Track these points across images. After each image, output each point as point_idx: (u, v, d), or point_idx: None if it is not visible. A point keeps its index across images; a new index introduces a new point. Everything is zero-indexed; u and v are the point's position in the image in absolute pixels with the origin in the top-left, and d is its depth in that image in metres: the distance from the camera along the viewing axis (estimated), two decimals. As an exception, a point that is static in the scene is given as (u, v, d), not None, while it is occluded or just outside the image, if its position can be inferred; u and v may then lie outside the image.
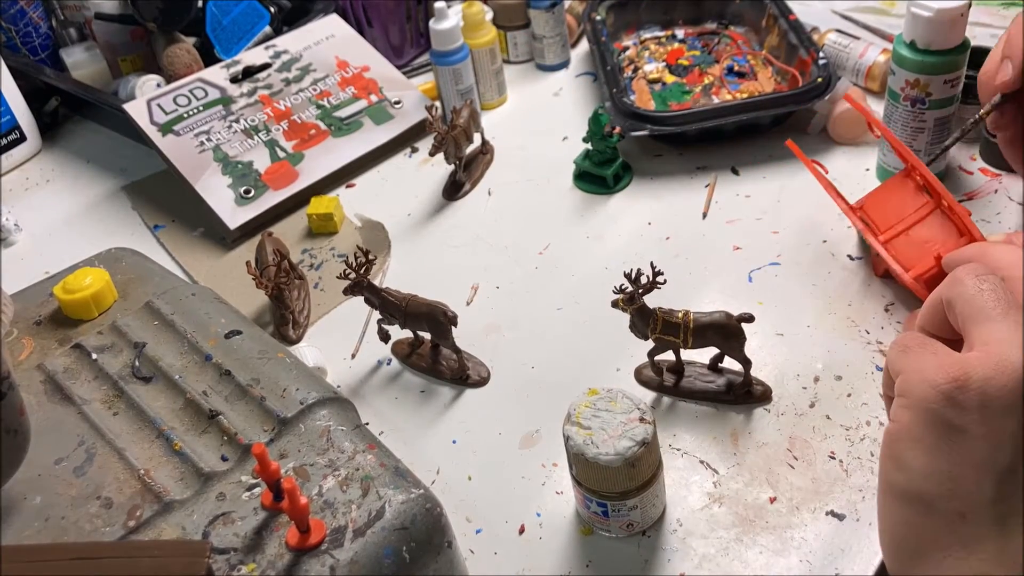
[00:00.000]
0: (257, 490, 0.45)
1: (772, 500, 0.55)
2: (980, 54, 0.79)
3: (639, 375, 0.64)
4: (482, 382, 0.66)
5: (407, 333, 0.68)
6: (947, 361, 0.41)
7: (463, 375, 0.66)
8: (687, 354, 0.62)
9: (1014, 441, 0.39)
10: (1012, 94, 0.61)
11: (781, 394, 0.62)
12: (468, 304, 0.73)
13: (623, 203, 0.82)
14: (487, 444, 0.62)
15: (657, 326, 0.59)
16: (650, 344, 0.61)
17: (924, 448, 0.41)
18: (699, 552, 0.53)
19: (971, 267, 0.44)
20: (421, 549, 0.44)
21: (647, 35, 1.02)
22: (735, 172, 0.82)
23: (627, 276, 0.58)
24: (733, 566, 0.52)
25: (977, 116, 0.63)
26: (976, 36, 0.85)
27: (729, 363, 0.63)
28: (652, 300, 0.59)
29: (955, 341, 0.43)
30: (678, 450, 0.59)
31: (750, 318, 0.59)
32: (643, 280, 0.58)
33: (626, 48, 1.01)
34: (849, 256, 0.71)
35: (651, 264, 0.58)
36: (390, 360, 0.69)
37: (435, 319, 0.64)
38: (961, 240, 0.62)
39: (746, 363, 0.60)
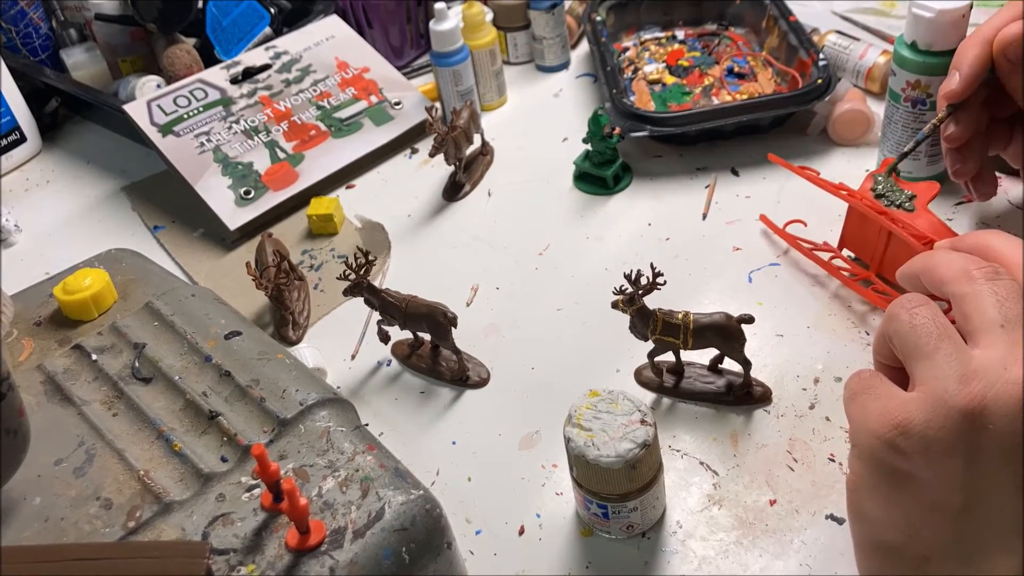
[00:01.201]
0: (257, 491, 0.45)
1: (772, 503, 0.55)
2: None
3: (639, 376, 0.64)
4: (482, 383, 0.66)
5: (407, 334, 0.68)
6: (889, 407, 0.40)
7: (463, 376, 0.66)
8: (686, 355, 0.62)
9: (962, 480, 0.39)
10: (962, 103, 0.63)
11: (781, 395, 0.62)
12: (468, 305, 0.73)
13: (623, 204, 0.82)
14: (487, 445, 0.62)
15: (657, 327, 0.59)
16: (650, 345, 0.61)
17: (879, 498, 0.41)
18: (699, 554, 0.53)
19: (905, 299, 0.43)
20: (421, 550, 0.44)
21: (647, 36, 1.02)
22: (735, 173, 0.82)
23: (627, 277, 0.58)
24: (733, 568, 0.52)
25: (932, 123, 0.65)
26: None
27: (729, 364, 0.63)
28: (652, 301, 0.59)
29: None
30: (678, 451, 0.59)
31: (750, 319, 0.59)
32: (643, 281, 0.58)
33: (626, 49, 1.01)
34: (850, 256, 0.71)
35: (651, 265, 0.58)
36: (390, 361, 0.69)
37: (435, 320, 0.64)
38: (924, 243, 0.61)
39: (746, 364, 0.60)
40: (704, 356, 0.63)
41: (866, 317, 0.66)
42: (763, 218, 0.75)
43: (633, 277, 0.58)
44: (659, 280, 0.58)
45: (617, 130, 0.81)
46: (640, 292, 0.58)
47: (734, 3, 1.00)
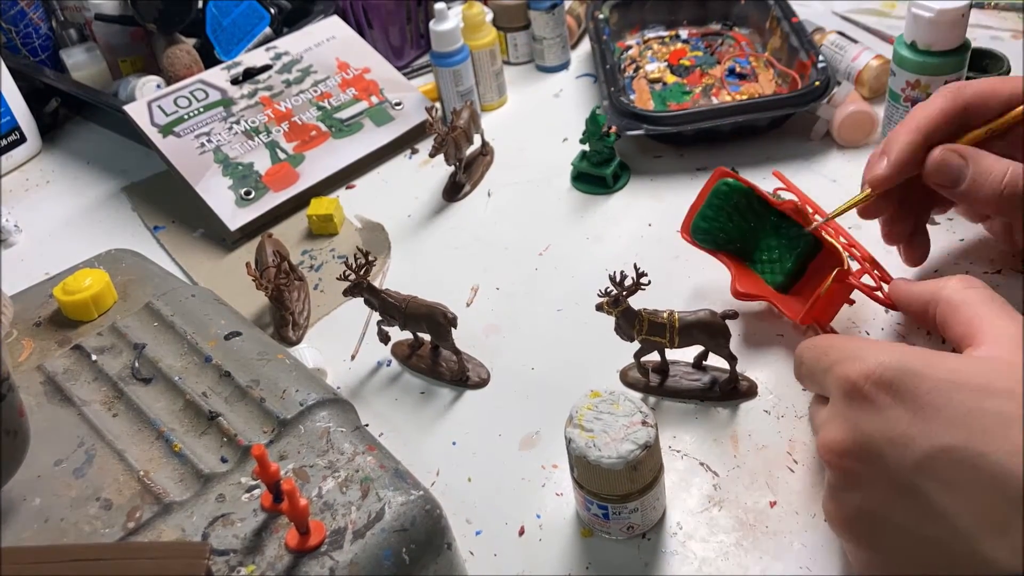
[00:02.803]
0: (257, 492, 0.45)
1: (772, 504, 0.55)
2: (981, 56, 0.80)
3: (624, 377, 0.64)
4: (482, 383, 0.66)
5: (407, 334, 0.68)
6: None
7: (463, 376, 0.66)
8: (670, 353, 0.62)
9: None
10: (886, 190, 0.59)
11: (781, 396, 0.62)
12: (468, 305, 0.73)
13: (623, 204, 0.81)
14: (487, 446, 0.62)
15: (643, 327, 0.59)
16: (637, 346, 0.61)
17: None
18: (699, 555, 0.53)
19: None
20: (421, 551, 0.44)
21: (651, 35, 1.02)
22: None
23: (611, 279, 0.58)
24: (732, 570, 0.52)
25: (848, 204, 0.61)
26: (977, 38, 0.85)
27: (713, 360, 0.62)
28: (652, 302, 0.59)
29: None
30: (678, 452, 0.59)
31: (734, 315, 0.59)
32: (627, 282, 0.58)
33: (629, 47, 1.01)
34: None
35: (635, 266, 0.58)
36: (390, 361, 0.69)
37: (435, 320, 0.64)
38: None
39: (732, 359, 0.60)
40: (687, 354, 0.63)
41: (867, 317, 0.66)
42: (776, 174, 0.70)
43: (617, 279, 0.58)
44: (643, 280, 0.58)
45: (613, 129, 0.81)
46: (624, 293, 0.58)
47: (739, 3, 1.00)
